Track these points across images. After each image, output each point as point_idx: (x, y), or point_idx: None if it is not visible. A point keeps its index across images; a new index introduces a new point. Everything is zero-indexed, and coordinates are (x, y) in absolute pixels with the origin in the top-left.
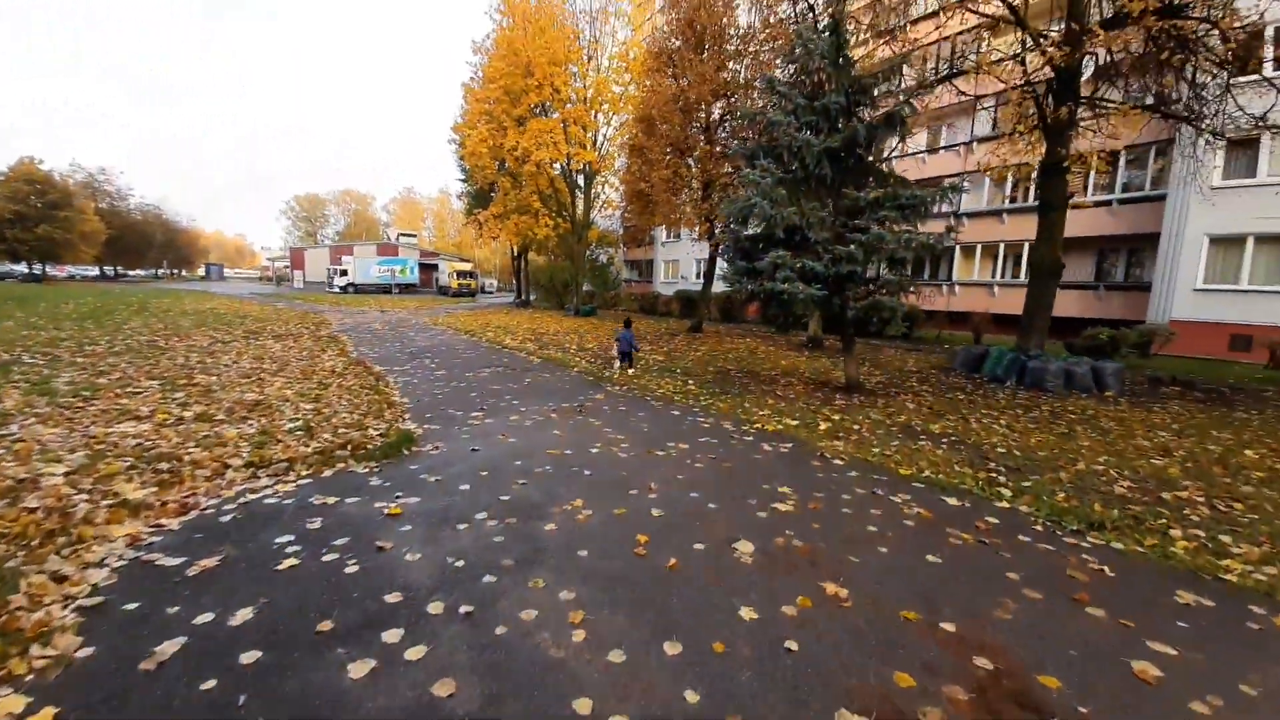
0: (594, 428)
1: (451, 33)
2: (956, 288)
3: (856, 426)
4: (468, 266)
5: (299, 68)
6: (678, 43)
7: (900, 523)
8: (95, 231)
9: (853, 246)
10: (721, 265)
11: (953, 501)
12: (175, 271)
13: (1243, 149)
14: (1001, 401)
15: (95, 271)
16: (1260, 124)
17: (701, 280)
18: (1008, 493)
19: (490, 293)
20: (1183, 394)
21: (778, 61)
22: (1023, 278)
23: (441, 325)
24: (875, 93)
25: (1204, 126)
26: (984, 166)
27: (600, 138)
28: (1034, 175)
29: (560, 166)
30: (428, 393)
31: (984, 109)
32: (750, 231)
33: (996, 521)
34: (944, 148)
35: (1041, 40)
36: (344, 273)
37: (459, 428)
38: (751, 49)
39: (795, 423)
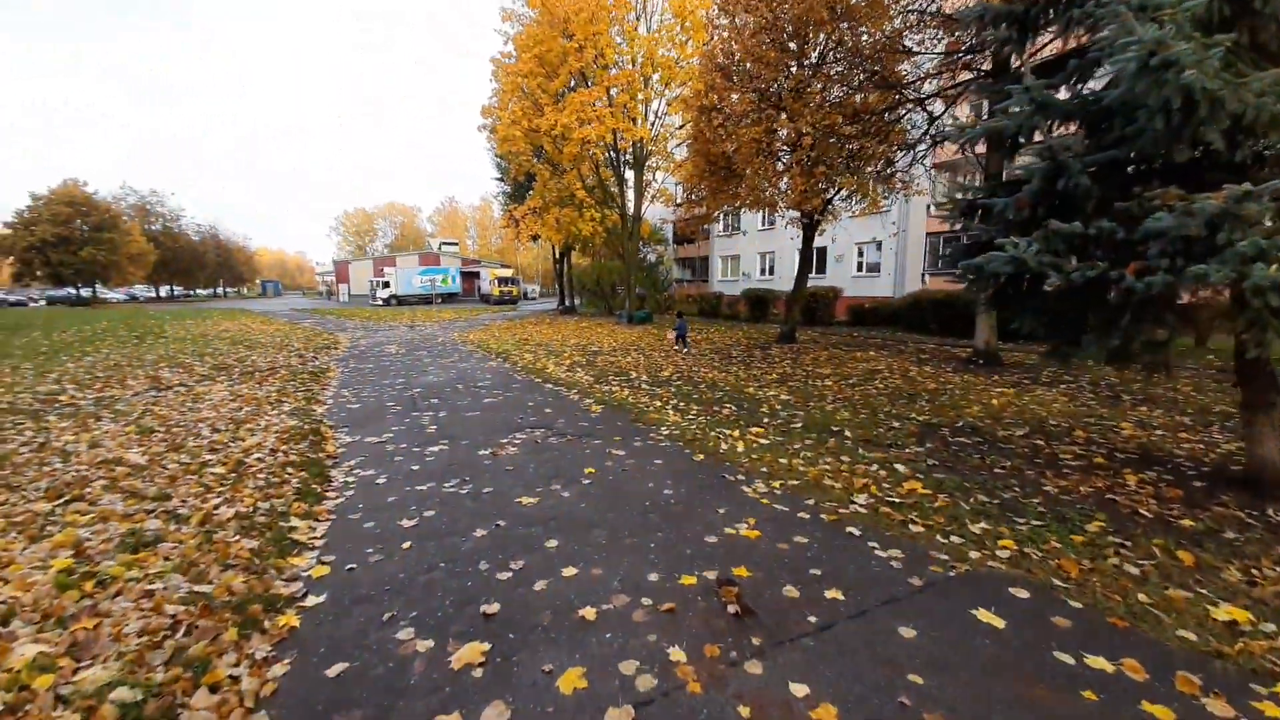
0: None
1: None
2: None
3: None
4: (509, 272)
5: (299, 67)
6: None
7: None
8: (143, 253)
9: None
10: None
11: None
12: (238, 290)
13: None
14: None
15: (153, 293)
16: None
17: (774, 276)
18: None
19: (533, 298)
20: None
21: None
22: None
23: (471, 344)
24: None
25: None
26: None
27: (651, 113)
28: None
29: (607, 150)
30: (388, 521)
31: None
32: (1091, 157)
33: None
34: None
35: None
36: (386, 285)
37: None
38: None
39: None
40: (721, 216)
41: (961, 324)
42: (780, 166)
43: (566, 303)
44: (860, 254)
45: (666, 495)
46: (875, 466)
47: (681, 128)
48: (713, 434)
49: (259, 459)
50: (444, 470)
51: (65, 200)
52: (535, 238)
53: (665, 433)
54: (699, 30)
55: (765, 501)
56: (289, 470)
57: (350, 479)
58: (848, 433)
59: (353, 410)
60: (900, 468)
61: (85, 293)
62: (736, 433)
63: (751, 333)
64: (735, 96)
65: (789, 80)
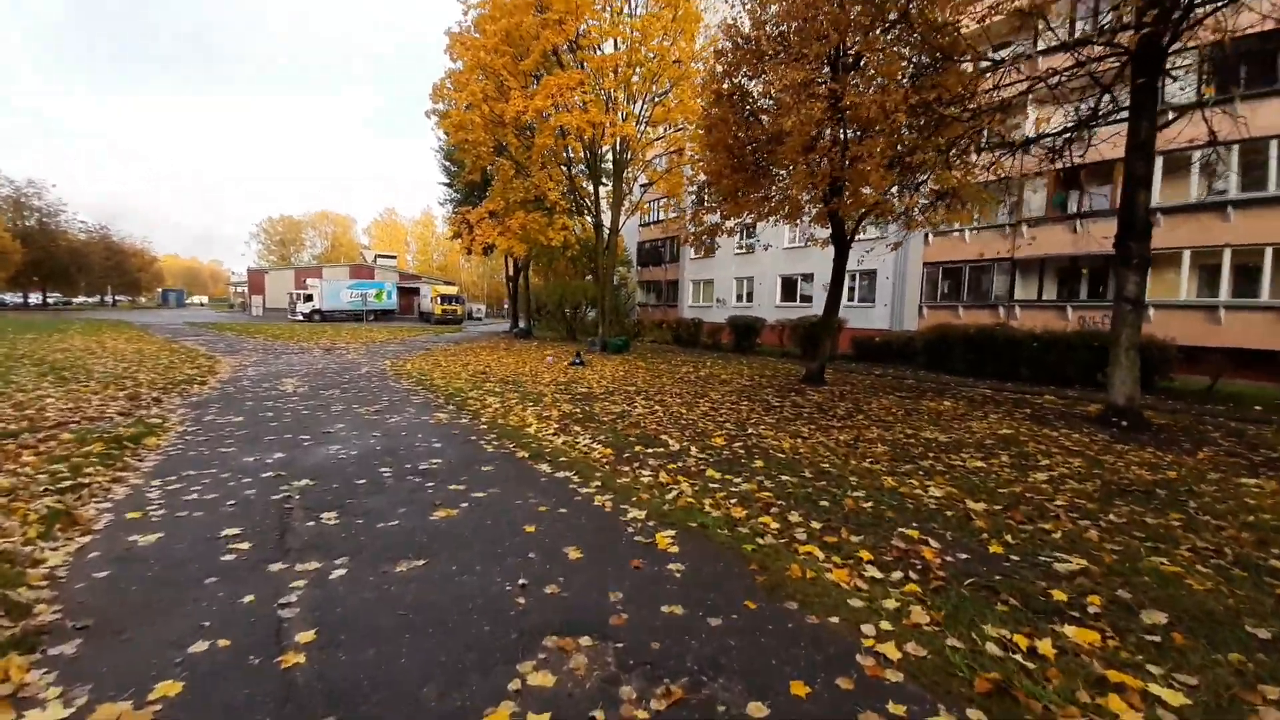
0: None
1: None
2: (1150, 311)
3: None
4: (453, 290)
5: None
6: None
7: None
8: (7, 252)
9: None
10: None
11: None
12: (131, 299)
13: None
14: None
15: (23, 300)
16: None
17: (753, 302)
18: None
19: (479, 319)
20: None
21: None
22: (1266, 296)
23: (407, 378)
24: None
25: None
26: None
27: (634, 116)
28: None
29: (584, 149)
30: None
31: None
32: None
33: None
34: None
35: None
36: (308, 298)
37: None
38: None
39: None
40: (694, 240)
41: (996, 365)
42: (827, 163)
43: (521, 325)
44: (852, 281)
45: None
46: None
47: (659, 139)
48: (987, 646)
49: None
50: None
51: None
52: (488, 249)
53: (874, 646)
54: (691, 21)
55: None
56: None
57: None
58: (1262, 631)
59: (129, 564)
60: None
61: None
62: (1020, 638)
63: (757, 368)
64: (773, 72)
65: (862, 42)
